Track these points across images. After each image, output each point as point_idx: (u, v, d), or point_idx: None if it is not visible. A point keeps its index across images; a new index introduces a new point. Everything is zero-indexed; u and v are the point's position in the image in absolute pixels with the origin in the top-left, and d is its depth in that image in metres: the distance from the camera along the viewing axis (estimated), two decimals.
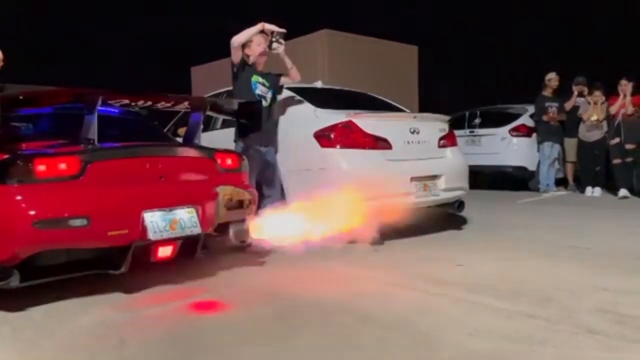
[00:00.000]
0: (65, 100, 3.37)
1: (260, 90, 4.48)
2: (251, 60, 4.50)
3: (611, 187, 7.73)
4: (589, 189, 7.84)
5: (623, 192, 7.33)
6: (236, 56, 4.39)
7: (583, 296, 2.93)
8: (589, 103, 7.88)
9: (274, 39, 4.49)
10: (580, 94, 8.20)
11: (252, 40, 4.41)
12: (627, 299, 2.87)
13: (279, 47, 4.51)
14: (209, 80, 11.12)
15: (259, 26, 4.37)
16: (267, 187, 4.43)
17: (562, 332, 2.40)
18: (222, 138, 4.67)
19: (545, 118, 8.10)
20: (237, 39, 4.34)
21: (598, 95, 7.77)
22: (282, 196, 4.54)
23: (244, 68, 4.46)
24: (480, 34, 18.57)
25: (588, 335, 2.36)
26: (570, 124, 8.19)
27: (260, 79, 4.51)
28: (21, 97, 3.15)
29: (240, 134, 4.41)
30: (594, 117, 7.75)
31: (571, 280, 3.29)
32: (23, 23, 18.42)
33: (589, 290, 3.03)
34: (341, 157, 4.39)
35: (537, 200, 7.48)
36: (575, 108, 8.15)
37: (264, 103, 4.46)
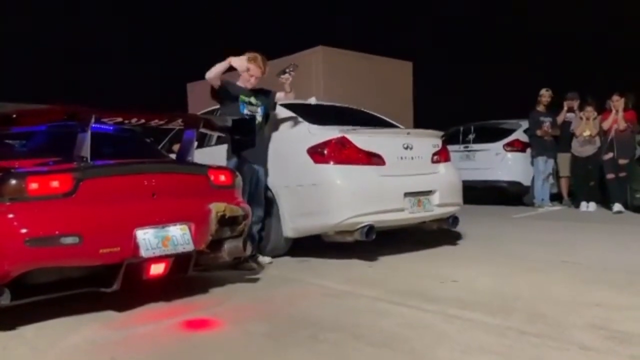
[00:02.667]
0: (59, 118, 3.38)
1: (248, 110, 4.47)
2: (242, 82, 4.52)
3: (606, 202, 7.76)
4: (583, 204, 7.87)
5: (617, 207, 7.36)
6: (215, 84, 4.38)
7: (576, 312, 2.92)
8: (580, 118, 7.95)
9: (287, 70, 4.57)
10: (570, 109, 8.28)
11: (248, 69, 4.42)
12: (620, 314, 2.87)
13: (288, 79, 4.62)
14: (204, 96, 11.16)
15: (227, 62, 4.31)
16: (254, 204, 4.42)
17: (555, 349, 2.39)
18: (216, 155, 4.68)
19: (539, 133, 8.14)
20: (209, 76, 4.32)
21: (590, 110, 7.84)
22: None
23: (228, 91, 4.44)
24: (475, 50, 18.78)
25: (581, 351, 2.36)
26: (563, 139, 8.25)
27: (247, 99, 4.49)
28: (15, 115, 3.15)
29: (234, 151, 4.42)
30: (587, 133, 7.81)
31: (564, 295, 3.29)
32: (25, 41, 18.58)
33: (582, 306, 3.03)
34: (334, 173, 4.41)
35: (531, 216, 7.49)
36: (568, 123, 8.22)
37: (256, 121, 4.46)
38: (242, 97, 4.49)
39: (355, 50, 10.41)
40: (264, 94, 4.66)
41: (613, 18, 16.47)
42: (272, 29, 18.15)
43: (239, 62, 4.39)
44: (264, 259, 4.46)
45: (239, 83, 4.58)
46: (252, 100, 4.54)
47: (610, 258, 4.45)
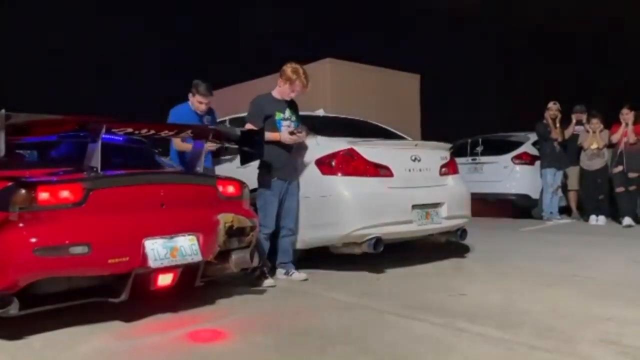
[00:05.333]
0: (70, 128, 3.42)
1: (285, 126, 4.34)
2: (278, 93, 4.39)
3: (615, 216, 7.70)
4: (592, 218, 7.81)
5: (627, 220, 7.30)
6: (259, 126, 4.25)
7: (586, 327, 2.89)
8: (587, 131, 7.92)
9: (296, 132, 4.31)
10: (579, 122, 8.25)
11: (294, 81, 4.28)
12: (631, 329, 2.83)
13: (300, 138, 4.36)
14: (214, 107, 11.22)
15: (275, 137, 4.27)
16: (285, 217, 4.37)
17: None
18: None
19: (553, 135, 8.05)
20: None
21: (596, 123, 7.81)
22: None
23: (264, 113, 4.29)
24: (483, 62, 18.80)
25: None
26: (571, 152, 8.22)
27: (282, 114, 4.36)
28: (26, 126, 3.18)
29: (243, 162, 4.37)
30: (594, 145, 7.77)
31: (574, 310, 3.26)
32: (33, 55, 18.86)
33: (593, 321, 3.00)
34: (342, 185, 4.41)
35: (540, 229, 7.43)
36: (576, 136, 8.19)
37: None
38: (278, 113, 4.34)
39: (363, 63, 10.46)
40: (295, 107, 4.51)
41: (622, 30, 16.46)
42: (281, 41, 18.30)
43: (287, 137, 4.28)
44: (299, 275, 4.32)
45: (275, 94, 4.42)
46: (287, 113, 4.39)
47: (621, 272, 4.40)
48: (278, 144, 4.29)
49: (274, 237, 4.39)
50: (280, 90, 4.41)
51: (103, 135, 3.22)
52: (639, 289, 3.77)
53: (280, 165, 4.32)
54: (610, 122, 7.87)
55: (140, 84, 18.72)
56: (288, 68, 4.35)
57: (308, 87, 4.42)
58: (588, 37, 16.88)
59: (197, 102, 4.77)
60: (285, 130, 4.32)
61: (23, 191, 2.81)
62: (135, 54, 20.07)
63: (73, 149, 3.71)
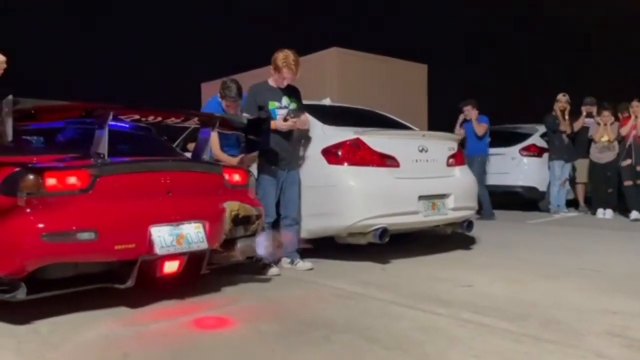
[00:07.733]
0: (77, 114, 3.41)
1: (280, 115, 4.31)
2: (273, 81, 4.36)
3: (623, 209, 7.65)
4: (600, 211, 7.76)
5: (635, 214, 7.25)
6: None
7: (592, 319, 2.88)
8: (598, 124, 7.86)
9: (288, 117, 4.28)
10: (589, 115, 8.17)
11: (282, 69, 4.20)
12: (637, 322, 2.82)
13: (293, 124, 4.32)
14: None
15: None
16: (287, 207, 4.37)
17: (571, 356, 2.36)
18: None
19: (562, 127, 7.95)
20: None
21: (607, 115, 7.74)
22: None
23: (258, 103, 4.30)
24: (492, 53, 18.65)
25: (597, 359, 2.32)
26: (580, 144, 8.15)
27: (277, 103, 4.35)
28: (34, 111, 3.18)
29: (249, 150, 4.36)
30: (605, 138, 7.71)
31: (580, 302, 3.24)
32: (42, 42, 18.89)
33: (599, 314, 2.99)
34: (348, 175, 4.39)
35: (547, 221, 7.40)
36: (585, 129, 8.12)
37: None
38: (272, 102, 4.33)
39: (369, 52, 10.39)
40: (295, 93, 4.46)
41: (633, 21, 16.27)
42: (287, 30, 18.21)
43: (281, 124, 4.26)
44: (304, 264, 4.32)
45: (270, 82, 4.39)
46: (284, 101, 4.36)
47: (627, 266, 4.37)
48: (278, 132, 4.28)
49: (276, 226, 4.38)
50: (274, 79, 4.35)
51: (110, 122, 3.23)
52: None
53: (281, 154, 4.31)
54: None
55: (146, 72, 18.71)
56: (279, 55, 4.24)
57: (297, 75, 4.30)
58: (603, 30, 16.69)
59: (225, 105, 4.67)
60: (280, 118, 4.30)
61: (31, 177, 2.83)
62: (135, 45, 20.07)
63: (80, 136, 3.71)
